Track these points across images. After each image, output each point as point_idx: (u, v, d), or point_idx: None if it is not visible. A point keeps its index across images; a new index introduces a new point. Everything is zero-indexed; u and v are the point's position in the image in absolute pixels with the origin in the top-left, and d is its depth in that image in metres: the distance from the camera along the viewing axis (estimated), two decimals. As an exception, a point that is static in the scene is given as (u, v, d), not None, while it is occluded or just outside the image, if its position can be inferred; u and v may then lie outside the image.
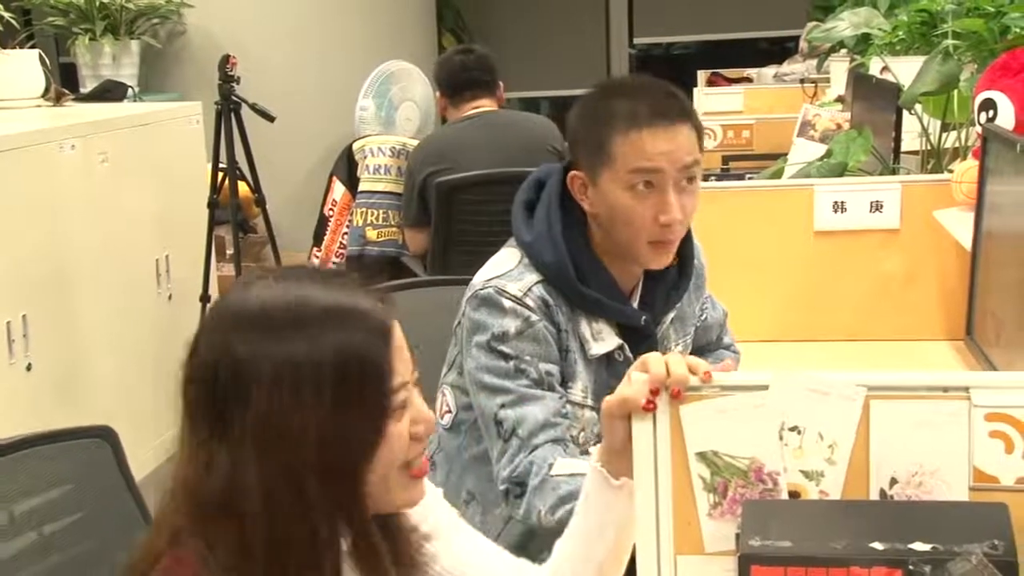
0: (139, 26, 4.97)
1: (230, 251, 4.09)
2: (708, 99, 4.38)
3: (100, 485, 1.41)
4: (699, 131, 1.61)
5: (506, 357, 1.58)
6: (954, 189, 2.13)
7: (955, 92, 2.38)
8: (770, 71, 5.12)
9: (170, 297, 3.77)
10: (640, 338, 1.67)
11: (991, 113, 1.97)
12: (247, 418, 0.94)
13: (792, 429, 1.05)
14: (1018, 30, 2.24)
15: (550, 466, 1.52)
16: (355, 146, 4.12)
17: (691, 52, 8.13)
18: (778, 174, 2.86)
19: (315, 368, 0.94)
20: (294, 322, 0.96)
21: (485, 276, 1.64)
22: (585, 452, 1.61)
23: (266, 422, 0.93)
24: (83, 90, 4.66)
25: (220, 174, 3.60)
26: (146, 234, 3.70)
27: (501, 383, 1.57)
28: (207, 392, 0.96)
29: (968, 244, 2.02)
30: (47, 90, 4.02)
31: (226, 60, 3.62)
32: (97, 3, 4.80)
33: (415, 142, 3.93)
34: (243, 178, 3.63)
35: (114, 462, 1.41)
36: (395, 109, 4.53)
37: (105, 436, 1.42)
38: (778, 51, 6.80)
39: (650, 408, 1.07)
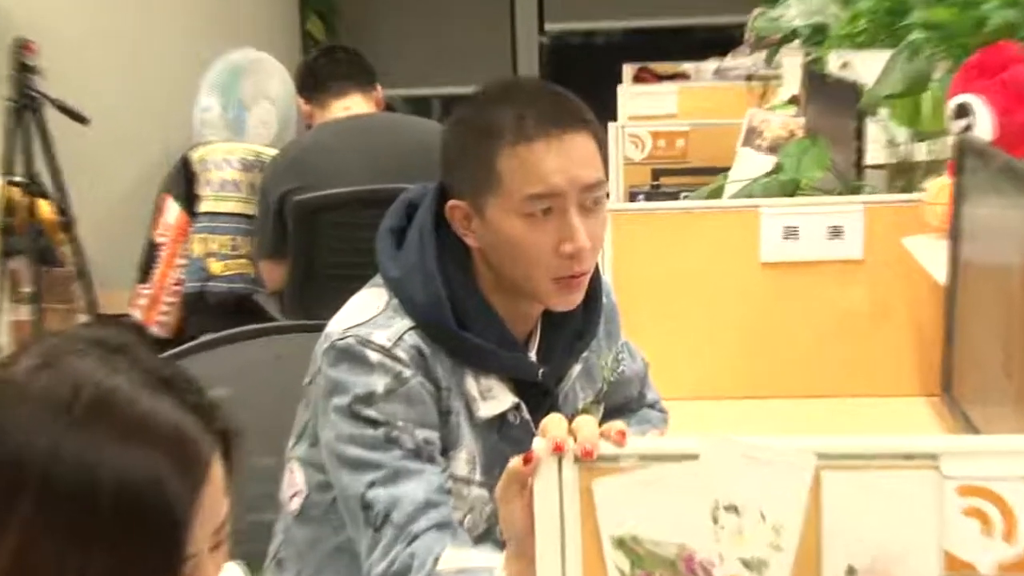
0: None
1: (28, 289, 4.00)
2: (635, 100, 4.46)
3: None
4: (600, 144, 1.64)
5: (374, 423, 1.57)
6: (927, 212, 2.19)
7: (927, 94, 2.46)
8: (710, 66, 5.25)
9: (-49, 347, 3.67)
10: (539, 396, 1.69)
11: (967, 121, 2.04)
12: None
13: (729, 508, 1.07)
14: (998, 21, 2.32)
15: (436, 560, 1.52)
16: (194, 156, 4.09)
17: (615, 41, 8.27)
18: (717, 193, 2.92)
19: (89, 497, 0.89)
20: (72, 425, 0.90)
21: (345, 323, 1.63)
22: (479, 540, 1.62)
23: (19, 556, 0.88)
24: None
25: (15, 190, 3.53)
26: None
27: (368, 456, 1.57)
28: None
29: (943, 278, 2.08)
30: None
31: (21, 46, 3.56)
32: None
33: (272, 151, 3.91)
34: (45, 195, 3.56)
35: None
36: (246, 110, 4.50)
37: None
38: (720, 42, 6.95)
39: (528, 462, 1.08)
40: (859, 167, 2.64)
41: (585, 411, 1.77)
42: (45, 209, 3.57)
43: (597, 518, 1.08)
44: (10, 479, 0.89)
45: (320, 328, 1.69)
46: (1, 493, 0.89)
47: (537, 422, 1.66)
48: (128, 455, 0.91)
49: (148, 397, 0.95)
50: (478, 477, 1.65)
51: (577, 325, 1.74)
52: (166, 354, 1.86)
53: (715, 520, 1.07)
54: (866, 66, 2.72)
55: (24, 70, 3.52)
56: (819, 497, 1.06)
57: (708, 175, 3.32)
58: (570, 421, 1.74)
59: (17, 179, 3.54)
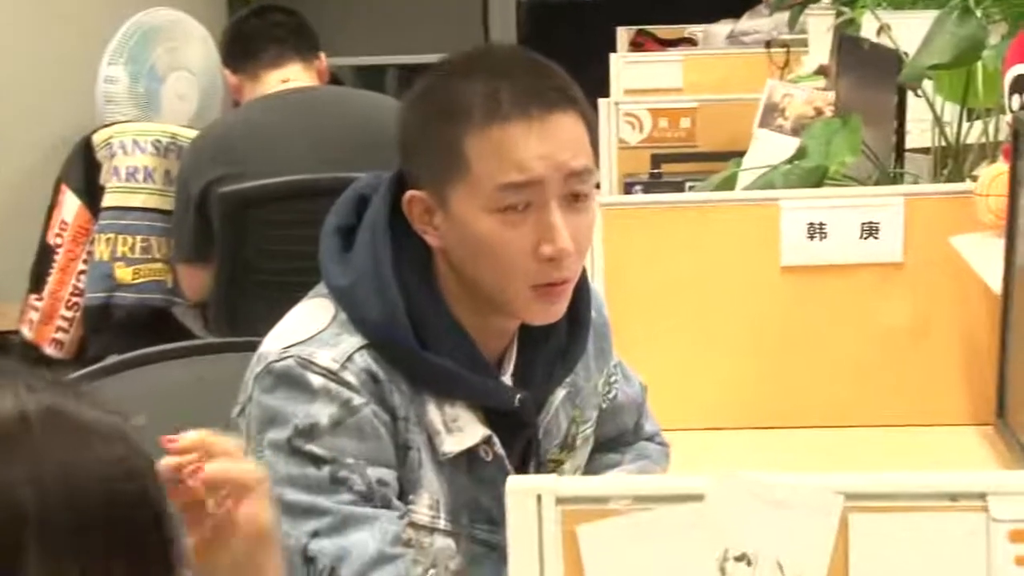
0: None
1: None
2: (631, 70, 4.47)
3: None
4: (589, 125, 1.66)
5: (317, 461, 1.58)
6: (979, 205, 2.21)
7: (979, 64, 2.48)
8: (723, 29, 5.27)
9: None
10: (516, 427, 1.70)
11: (1025, 96, 2.06)
12: None
13: (739, 558, 1.08)
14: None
15: (391, 623, 1.54)
16: (97, 138, 4.08)
17: (607, 0, 8.28)
18: (730, 183, 2.94)
19: (85, 521, 0.93)
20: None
21: (283, 341, 1.64)
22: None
23: None
24: None
25: None
26: None
27: (311, 501, 1.58)
28: None
29: (998, 285, 2.10)
30: None
31: None
32: None
33: (192, 132, 3.91)
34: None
35: None
36: (160, 82, 4.49)
37: None
38: (733, 1, 6.99)
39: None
40: (899, 152, 2.66)
41: (556, 461, 1.78)
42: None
43: (583, 569, 1.09)
44: (8, 536, 0.91)
45: (252, 347, 1.70)
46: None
47: (513, 458, 1.69)
48: (106, 466, 0.95)
49: (87, 408, 0.98)
50: (442, 524, 1.66)
51: (560, 342, 1.75)
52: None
53: (723, 572, 1.08)
54: (908, 30, 2.74)
55: None
56: (846, 544, 1.07)
57: (718, 161, 3.34)
58: (553, 462, 1.76)
59: None
